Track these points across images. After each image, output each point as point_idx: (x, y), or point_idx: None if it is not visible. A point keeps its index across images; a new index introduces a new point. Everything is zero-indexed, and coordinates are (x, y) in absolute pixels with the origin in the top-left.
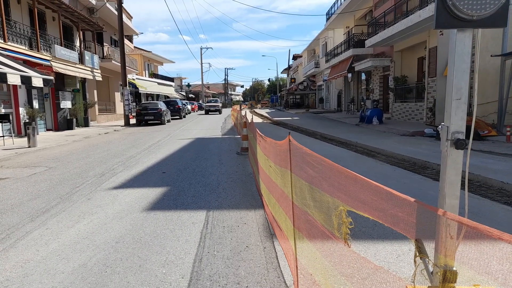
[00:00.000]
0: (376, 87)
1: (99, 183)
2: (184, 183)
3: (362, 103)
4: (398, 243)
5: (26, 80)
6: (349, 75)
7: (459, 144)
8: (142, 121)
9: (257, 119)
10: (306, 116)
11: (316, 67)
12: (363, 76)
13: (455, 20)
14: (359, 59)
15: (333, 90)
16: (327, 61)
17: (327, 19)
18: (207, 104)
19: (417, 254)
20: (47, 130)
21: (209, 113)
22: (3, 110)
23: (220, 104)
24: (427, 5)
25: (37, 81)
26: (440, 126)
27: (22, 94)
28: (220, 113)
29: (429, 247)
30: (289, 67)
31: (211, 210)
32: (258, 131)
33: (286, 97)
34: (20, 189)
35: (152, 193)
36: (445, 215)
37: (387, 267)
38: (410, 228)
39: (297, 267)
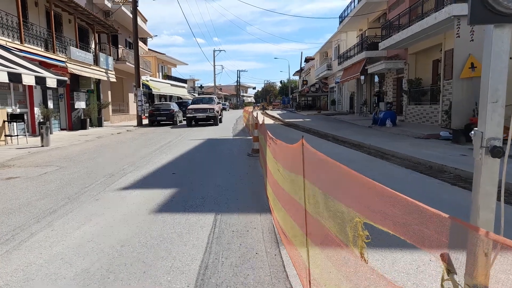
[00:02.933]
0: (390, 90)
1: (108, 184)
2: (194, 184)
3: (374, 105)
4: (418, 252)
5: (40, 80)
6: (362, 77)
7: (495, 152)
8: (154, 122)
9: (268, 121)
10: (318, 118)
11: (328, 70)
12: (376, 79)
13: (493, 14)
14: (372, 61)
15: (345, 92)
16: (339, 63)
17: (340, 22)
18: (191, 107)
19: (445, 278)
20: (61, 129)
21: (197, 123)
22: (18, 110)
23: (217, 107)
24: (443, 7)
25: (51, 81)
26: (472, 132)
27: (37, 94)
28: (216, 124)
29: (458, 262)
30: (301, 69)
31: (220, 213)
32: (269, 133)
33: (298, 99)
34: (29, 189)
35: (161, 195)
36: (485, 235)
37: (407, 279)
38: (439, 247)
39: (310, 281)
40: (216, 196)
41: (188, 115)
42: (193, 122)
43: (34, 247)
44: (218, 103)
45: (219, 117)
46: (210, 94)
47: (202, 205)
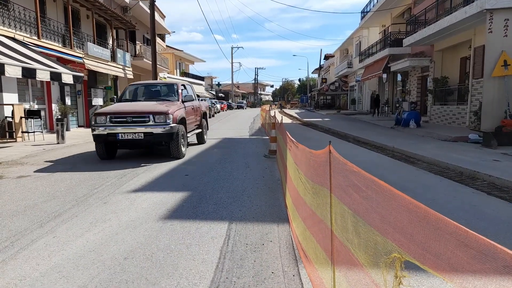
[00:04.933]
0: (414, 89)
1: (118, 185)
2: (207, 188)
3: (397, 105)
4: (459, 277)
5: (55, 76)
6: (384, 75)
7: None
8: None
9: (286, 120)
10: (337, 118)
11: (348, 67)
12: (399, 77)
13: None
14: (396, 59)
15: (366, 91)
16: (360, 61)
17: (362, 18)
18: (105, 110)
19: None
20: (79, 126)
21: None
22: (36, 106)
23: (180, 109)
24: (473, 1)
25: (67, 77)
26: None
27: (55, 90)
28: (176, 156)
29: None
30: (320, 67)
31: (234, 222)
32: (289, 135)
33: (316, 98)
34: (38, 189)
35: (172, 199)
36: None
37: None
38: None
39: None
40: (230, 202)
41: (96, 131)
42: (114, 147)
43: (32, 257)
44: (188, 98)
45: (195, 131)
46: (229, 91)
47: (214, 212)
